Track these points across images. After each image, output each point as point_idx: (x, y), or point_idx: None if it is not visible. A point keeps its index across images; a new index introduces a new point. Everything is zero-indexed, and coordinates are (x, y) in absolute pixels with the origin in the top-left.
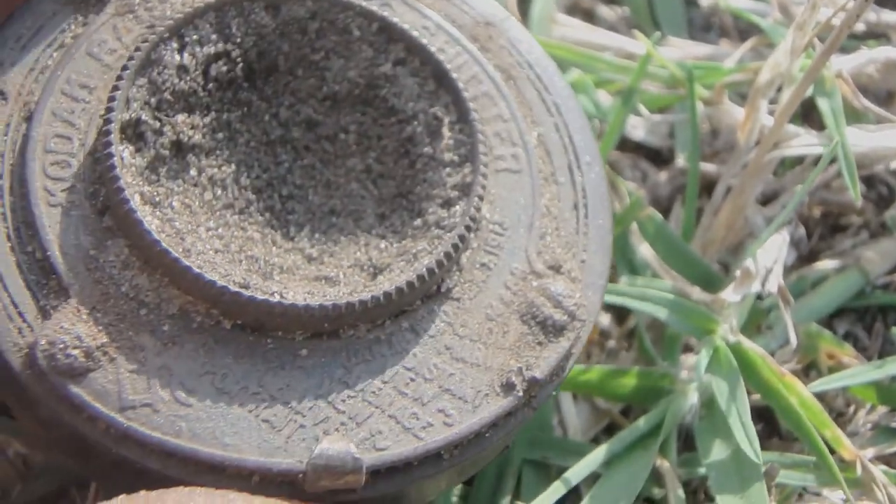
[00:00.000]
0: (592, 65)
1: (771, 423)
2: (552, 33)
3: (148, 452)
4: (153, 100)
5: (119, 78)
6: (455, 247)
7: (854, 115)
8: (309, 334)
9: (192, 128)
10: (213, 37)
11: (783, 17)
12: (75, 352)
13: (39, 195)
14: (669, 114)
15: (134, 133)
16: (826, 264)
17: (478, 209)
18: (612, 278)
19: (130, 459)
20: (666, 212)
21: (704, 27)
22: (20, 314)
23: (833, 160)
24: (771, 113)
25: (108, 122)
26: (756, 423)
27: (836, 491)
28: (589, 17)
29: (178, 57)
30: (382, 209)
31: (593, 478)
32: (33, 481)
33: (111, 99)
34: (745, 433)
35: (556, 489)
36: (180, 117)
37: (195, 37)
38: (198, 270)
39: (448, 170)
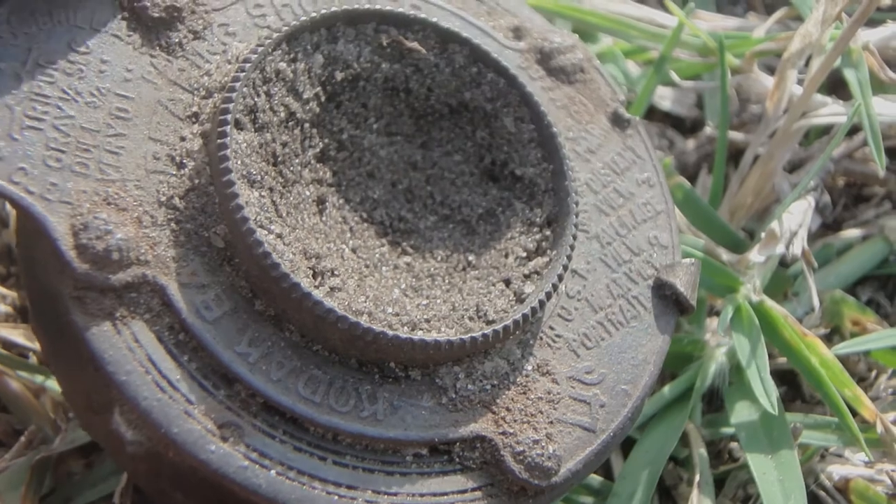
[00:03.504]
0: (625, 31)
1: (795, 387)
2: (583, 3)
3: None
4: (306, 280)
5: (292, 288)
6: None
7: (880, 87)
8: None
9: (323, 262)
10: (256, 194)
11: None
12: None
13: (306, 408)
14: (698, 82)
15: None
16: (850, 233)
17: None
18: None
19: None
20: (692, 179)
21: (732, 0)
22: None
23: (858, 130)
24: (799, 83)
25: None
26: (779, 385)
27: (859, 452)
28: None
29: (273, 236)
30: (419, 140)
31: None
32: (74, 429)
33: (316, 305)
34: (763, 387)
35: None
36: (323, 264)
37: (257, 209)
38: (498, 327)
39: (441, 63)
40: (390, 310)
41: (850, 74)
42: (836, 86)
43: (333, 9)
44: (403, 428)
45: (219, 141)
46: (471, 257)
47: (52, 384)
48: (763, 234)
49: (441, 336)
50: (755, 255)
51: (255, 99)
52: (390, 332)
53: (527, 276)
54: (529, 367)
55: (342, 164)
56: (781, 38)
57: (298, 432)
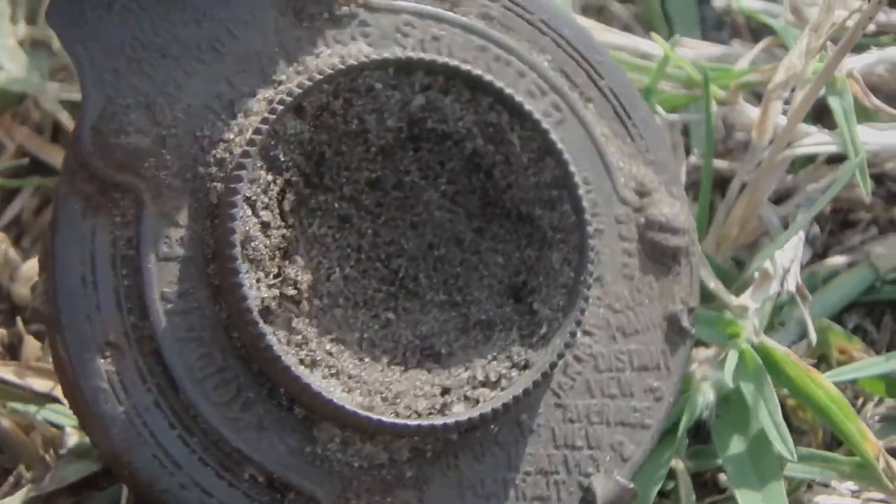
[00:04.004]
0: None
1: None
2: None
3: None
4: (260, 274)
5: (232, 270)
6: (591, 261)
7: (865, 115)
8: None
9: (297, 270)
10: (270, 177)
11: (795, 18)
12: None
13: (228, 428)
14: (684, 114)
15: (263, 314)
16: (836, 260)
17: (582, 197)
18: None
19: None
20: None
21: (716, 25)
22: None
23: (845, 157)
24: (784, 112)
25: (248, 325)
26: None
27: (845, 482)
28: (601, 14)
29: (255, 220)
30: (477, 223)
31: None
32: (64, 468)
33: (242, 298)
34: (777, 432)
35: None
36: (289, 270)
37: (259, 189)
38: (392, 420)
39: (532, 171)
40: (327, 346)
41: (834, 102)
42: (822, 112)
43: (465, 67)
44: (255, 447)
45: (267, 114)
46: (443, 350)
47: (42, 417)
48: (756, 275)
49: (324, 387)
50: (750, 299)
51: (330, 99)
52: (282, 359)
53: (467, 398)
54: (408, 474)
55: (392, 201)
56: (766, 69)
57: (168, 392)
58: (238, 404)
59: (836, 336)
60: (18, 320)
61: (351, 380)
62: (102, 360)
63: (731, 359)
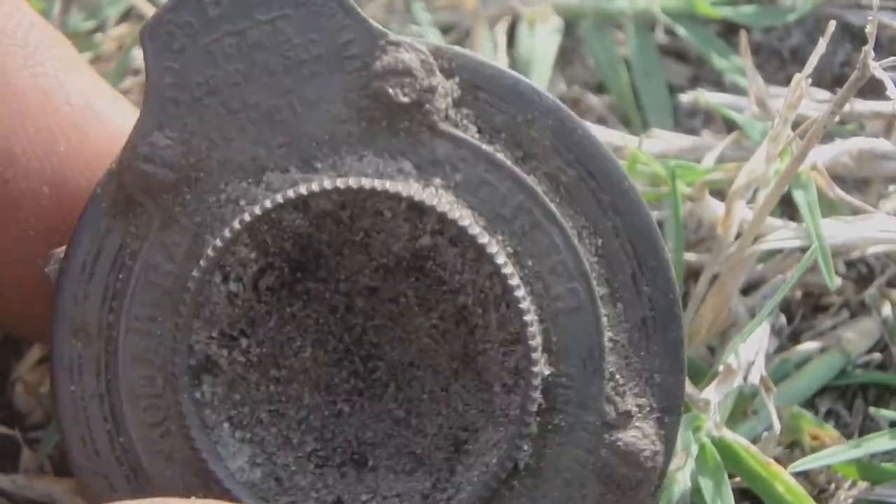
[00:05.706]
0: None
1: (757, 502)
2: None
3: None
4: (214, 333)
5: (177, 326)
6: (514, 452)
7: (830, 206)
8: None
9: (259, 342)
10: (253, 255)
11: (761, 110)
12: None
13: (143, 446)
14: (654, 210)
15: (207, 365)
16: (808, 346)
17: (534, 401)
18: None
19: None
20: None
21: (689, 113)
22: None
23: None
24: (751, 204)
25: (176, 377)
26: (743, 501)
27: None
28: (577, 106)
29: (223, 288)
30: (455, 364)
31: None
32: None
33: (175, 341)
34: None
35: None
36: (244, 341)
37: (235, 262)
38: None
39: (502, 350)
40: (261, 415)
41: (799, 196)
42: (788, 203)
43: (475, 231)
44: (159, 473)
45: (269, 201)
46: (370, 463)
47: None
48: (721, 368)
49: (216, 449)
50: (713, 393)
51: (337, 209)
52: (183, 406)
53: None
54: None
55: (387, 311)
56: (730, 168)
57: (113, 391)
58: (159, 430)
59: (807, 422)
60: (17, 431)
61: (263, 454)
62: (74, 341)
63: (691, 454)
